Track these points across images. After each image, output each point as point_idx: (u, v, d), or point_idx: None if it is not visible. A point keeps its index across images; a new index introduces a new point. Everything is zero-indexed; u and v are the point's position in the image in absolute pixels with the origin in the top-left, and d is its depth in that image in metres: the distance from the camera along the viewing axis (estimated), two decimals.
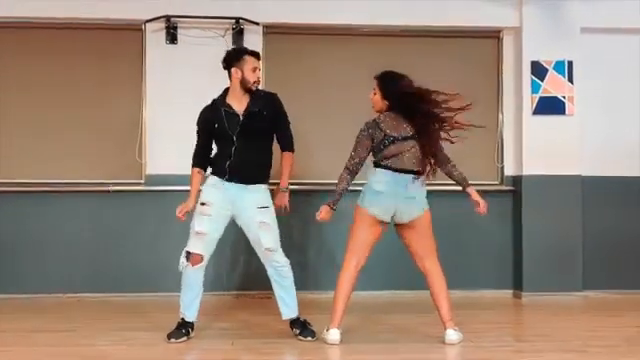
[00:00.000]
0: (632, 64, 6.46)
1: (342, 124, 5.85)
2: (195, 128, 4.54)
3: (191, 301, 4.43)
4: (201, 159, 4.55)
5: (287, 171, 4.61)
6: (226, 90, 4.51)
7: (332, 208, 4.37)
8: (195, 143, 4.55)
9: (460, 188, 4.49)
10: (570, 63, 6.20)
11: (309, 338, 4.42)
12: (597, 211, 6.28)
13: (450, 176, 4.45)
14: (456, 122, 4.29)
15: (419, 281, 4.52)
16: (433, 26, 6.25)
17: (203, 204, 4.41)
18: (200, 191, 4.51)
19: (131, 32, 6.11)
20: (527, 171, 6.20)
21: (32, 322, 4.95)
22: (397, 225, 4.40)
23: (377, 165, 4.34)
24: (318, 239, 6.08)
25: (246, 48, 4.55)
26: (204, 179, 4.57)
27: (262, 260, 4.49)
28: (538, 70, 6.19)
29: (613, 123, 6.40)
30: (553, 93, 6.20)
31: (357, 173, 4.38)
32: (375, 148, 4.33)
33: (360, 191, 4.41)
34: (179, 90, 5.99)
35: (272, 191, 4.58)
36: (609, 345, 4.35)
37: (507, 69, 6.40)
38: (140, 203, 6.07)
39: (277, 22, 6.16)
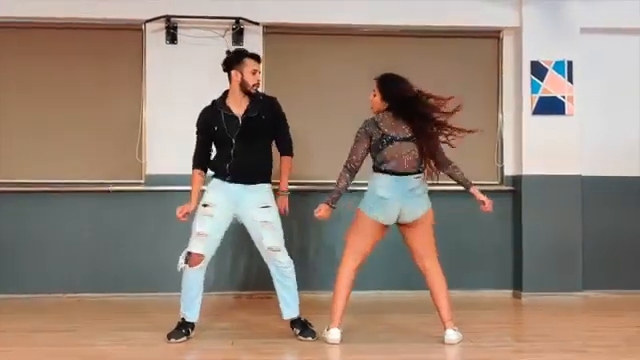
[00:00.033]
0: (632, 64, 6.46)
1: (342, 124, 5.85)
2: (195, 129, 4.55)
3: (191, 301, 4.43)
4: (201, 160, 4.55)
5: (286, 175, 4.63)
6: (226, 92, 4.51)
7: (331, 206, 4.36)
8: (195, 144, 4.56)
9: (462, 188, 4.48)
10: (570, 63, 6.20)
11: (309, 338, 4.42)
12: (597, 211, 6.28)
13: (452, 178, 4.44)
14: (450, 127, 4.29)
15: (419, 281, 4.52)
16: (433, 26, 6.25)
17: (205, 205, 4.42)
18: (202, 192, 4.51)
19: (131, 32, 6.11)
20: (527, 171, 6.20)
21: (32, 322, 4.95)
22: (400, 224, 4.40)
23: (378, 170, 4.33)
24: (317, 239, 6.09)
25: (246, 51, 4.53)
26: (205, 180, 4.58)
27: (265, 259, 4.49)
28: (538, 70, 6.19)
29: (613, 123, 6.40)
30: (553, 93, 6.20)
31: (357, 172, 4.38)
32: (373, 148, 4.32)
33: (359, 191, 4.41)
34: (179, 90, 5.99)
35: (274, 192, 4.58)
36: (609, 345, 4.35)
37: (507, 69, 6.40)
38: (140, 203, 6.07)
39: (277, 22, 6.16)
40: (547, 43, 6.19)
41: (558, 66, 6.19)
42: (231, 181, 4.42)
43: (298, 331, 4.48)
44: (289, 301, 4.50)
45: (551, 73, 6.19)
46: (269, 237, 4.41)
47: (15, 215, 5.99)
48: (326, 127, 6.20)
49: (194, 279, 4.40)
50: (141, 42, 6.11)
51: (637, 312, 5.57)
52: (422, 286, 4.51)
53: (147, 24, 6.04)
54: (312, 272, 5.98)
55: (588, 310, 5.74)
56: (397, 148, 4.28)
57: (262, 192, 4.46)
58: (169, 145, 5.95)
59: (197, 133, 4.55)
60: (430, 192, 4.42)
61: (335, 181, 4.40)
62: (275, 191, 4.61)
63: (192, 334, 4.44)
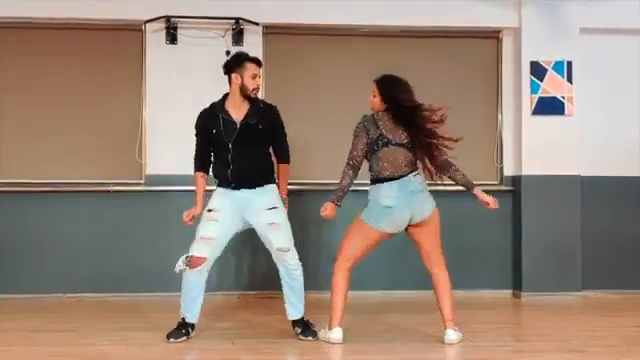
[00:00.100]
0: (631, 64, 6.46)
1: (341, 124, 5.80)
2: (194, 130, 4.55)
3: (192, 302, 4.43)
4: (202, 162, 4.56)
5: (284, 182, 4.62)
6: (225, 95, 4.50)
7: (337, 204, 4.34)
8: (195, 147, 4.56)
9: (461, 188, 4.47)
10: (569, 63, 6.20)
11: (310, 338, 4.43)
12: (596, 211, 6.28)
13: (454, 180, 4.41)
14: (442, 137, 4.29)
15: (419, 281, 4.53)
16: (433, 27, 6.25)
17: (210, 210, 4.43)
18: (207, 193, 4.50)
19: (131, 32, 6.11)
20: (526, 171, 6.20)
21: (32, 322, 4.96)
22: (408, 226, 4.38)
23: (377, 180, 4.30)
24: (317, 239, 6.08)
25: (247, 55, 4.50)
26: (207, 182, 4.57)
27: (275, 260, 4.49)
28: (537, 70, 6.19)
29: (612, 123, 6.41)
30: (552, 93, 6.20)
31: (359, 168, 4.35)
32: (369, 147, 4.31)
33: (360, 191, 4.40)
34: (179, 90, 6.00)
35: None
36: (608, 345, 4.35)
37: (506, 69, 6.40)
38: (140, 203, 6.07)
39: (277, 22, 6.16)
40: (546, 43, 6.19)
41: (557, 66, 6.20)
42: (235, 188, 4.43)
43: (299, 330, 4.49)
44: (295, 303, 4.51)
45: (550, 73, 6.19)
46: (278, 238, 4.42)
47: (15, 215, 5.99)
48: (326, 127, 6.19)
49: (194, 281, 4.40)
50: (141, 42, 6.11)
51: (636, 312, 5.58)
52: (422, 286, 4.53)
53: (147, 24, 6.03)
54: (312, 272, 5.95)
55: (587, 310, 5.74)
56: (392, 152, 4.28)
57: (269, 194, 4.46)
58: (169, 145, 5.95)
59: (196, 135, 4.55)
60: (430, 192, 4.41)
61: (334, 181, 4.39)
62: None
63: (192, 334, 4.44)
